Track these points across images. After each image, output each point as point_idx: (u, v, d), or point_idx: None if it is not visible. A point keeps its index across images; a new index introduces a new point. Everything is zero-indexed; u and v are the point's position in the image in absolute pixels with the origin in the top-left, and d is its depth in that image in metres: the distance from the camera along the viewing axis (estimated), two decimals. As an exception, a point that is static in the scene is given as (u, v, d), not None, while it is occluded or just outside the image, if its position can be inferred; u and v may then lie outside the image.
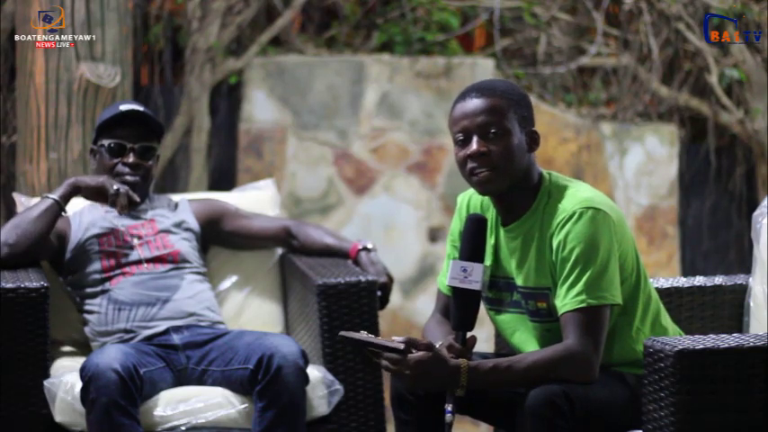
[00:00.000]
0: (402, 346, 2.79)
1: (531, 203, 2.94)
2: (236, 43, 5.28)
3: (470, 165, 2.89)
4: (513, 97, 2.92)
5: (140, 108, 3.83)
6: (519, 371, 2.79)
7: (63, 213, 3.69)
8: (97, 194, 3.73)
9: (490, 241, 2.99)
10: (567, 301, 2.84)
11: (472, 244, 2.92)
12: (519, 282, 2.94)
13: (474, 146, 2.88)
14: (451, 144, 2.94)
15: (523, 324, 2.97)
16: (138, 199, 3.75)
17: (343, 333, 2.87)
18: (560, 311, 2.85)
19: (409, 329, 5.15)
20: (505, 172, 2.89)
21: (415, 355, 2.78)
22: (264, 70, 5.20)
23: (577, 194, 2.90)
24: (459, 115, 2.92)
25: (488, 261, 2.98)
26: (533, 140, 2.94)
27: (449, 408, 2.81)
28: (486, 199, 3.01)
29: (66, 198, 3.70)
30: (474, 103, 2.90)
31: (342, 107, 5.25)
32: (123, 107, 3.82)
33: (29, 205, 3.88)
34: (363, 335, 2.85)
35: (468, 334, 2.88)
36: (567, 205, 2.88)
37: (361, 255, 3.83)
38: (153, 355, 3.53)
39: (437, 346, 2.85)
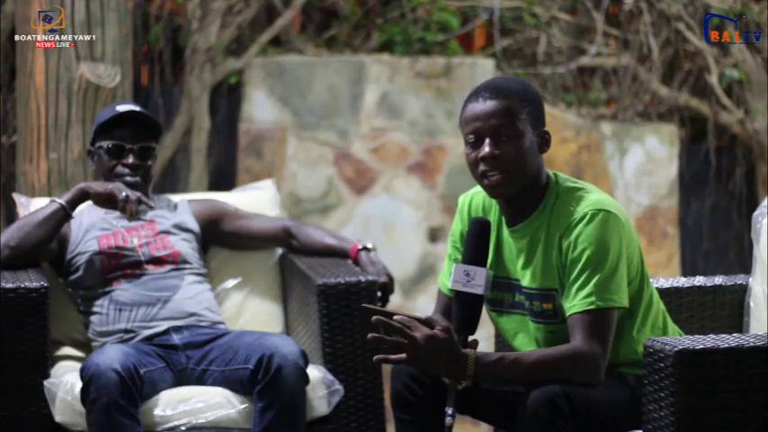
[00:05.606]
0: (423, 318, 2.78)
1: (539, 204, 2.92)
2: (236, 43, 5.28)
3: (482, 167, 2.87)
4: (527, 98, 2.89)
5: (137, 108, 3.83)
6: (525, 365, 2.78)
7: (71, 218, 3.68)
8: (106, 201, 3.72)
9: (492, 242, 2.98)
10: (575, 302, 2.83)
11: (476, 248, 2.91)
12: (524, 282, 2.94)
13: (486, 149, 2.85)
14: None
15: (525, 326, 2.96)
16: (153, 204, 3.74)
17: (365, 305, 2.85)
18: (568, 313, 2.84)
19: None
20: (517, 175, 2.87)
21: (431, 330, 2.75)
22: (264, 70, 5.20)
23: (587, 196, 2.89)
24: (471, 116, 2.89)
25: (490, 261, 2.97)
26: (544, 141, 2.92)
27: (449, 411, 2.80)
28: (488, 200, 3.00)
29: (73, 204, 3.68)
30: (487, 104, 2.87)
31: (342, 107, 5.25)
32: (120, 108, 3.81)
33: (28, 205, 3.88)
34: (383, 310, 2.84)
35: (470, 338, 2.87)
36: (578, 207, 2.87)
37: (361, 255, 3.83)
38: (153, 355, 3.53)
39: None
